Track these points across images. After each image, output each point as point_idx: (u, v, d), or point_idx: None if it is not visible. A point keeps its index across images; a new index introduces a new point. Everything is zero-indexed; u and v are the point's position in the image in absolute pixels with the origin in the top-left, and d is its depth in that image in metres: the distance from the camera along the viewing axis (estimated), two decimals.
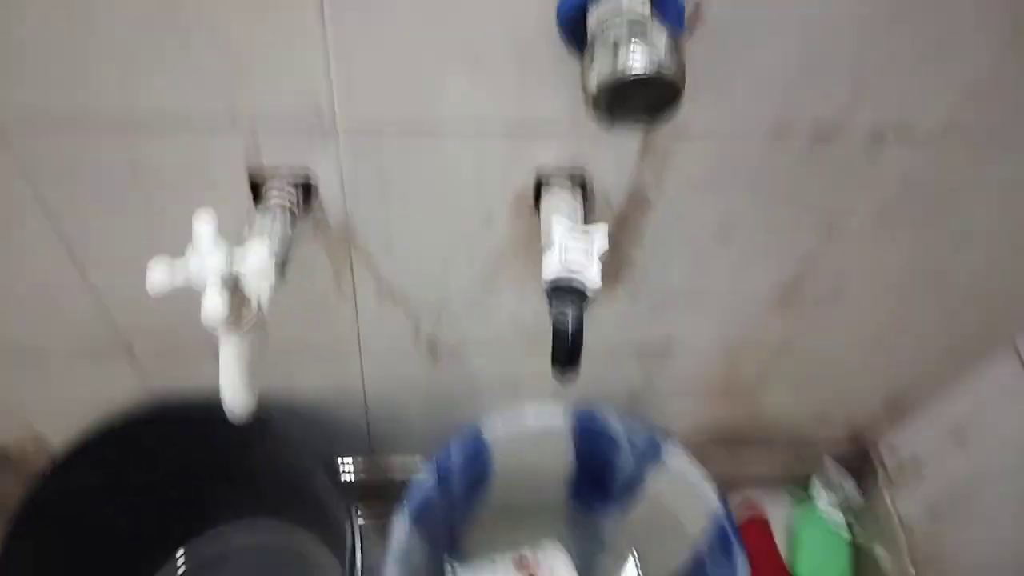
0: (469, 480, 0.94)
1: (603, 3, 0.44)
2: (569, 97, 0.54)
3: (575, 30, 0.48)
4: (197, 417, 0.85)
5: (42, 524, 0.80)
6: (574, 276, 0.50)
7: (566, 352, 0.56)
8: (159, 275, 0.46)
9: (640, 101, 0.43)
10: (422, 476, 0.88)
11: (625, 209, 0.65)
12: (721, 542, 0.87)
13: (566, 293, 0.52)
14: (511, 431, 0.92)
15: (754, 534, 1.13)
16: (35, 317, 0.73)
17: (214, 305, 0.46)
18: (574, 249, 0.51)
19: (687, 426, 1.04)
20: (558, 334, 0.55)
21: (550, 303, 0.55)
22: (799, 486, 1.20)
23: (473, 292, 0.74)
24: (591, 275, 0.50)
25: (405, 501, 0.86)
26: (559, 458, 0.99)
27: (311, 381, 0.87)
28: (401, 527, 0.85)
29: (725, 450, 1.12)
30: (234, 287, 0.49)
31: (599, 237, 0.52)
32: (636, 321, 0.80)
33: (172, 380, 0.84)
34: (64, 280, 0.68)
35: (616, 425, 0.93)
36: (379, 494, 1.12)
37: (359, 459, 1.06)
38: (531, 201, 0.63)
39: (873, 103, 0.57)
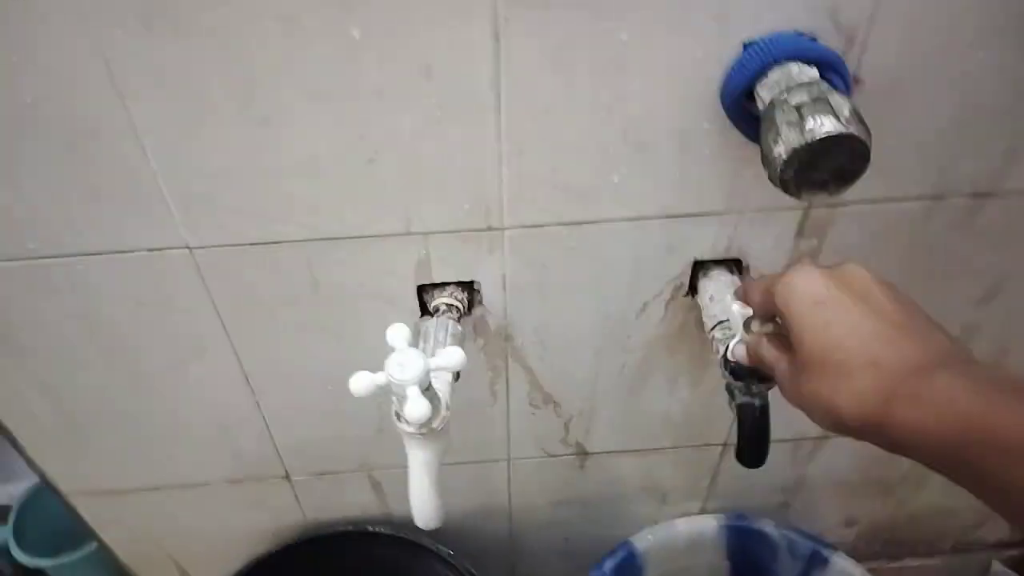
0: None
1: (772, 75, 0.46)
2: (729, 180, 0.55)
3: (740, 109, 0.49)
4: (349, 542, 0.84)
5: None
6: None
7: (754, 442, 0.54)
8: (362, 380, 0.47)
9: (827, 168, 0.44)
10: None
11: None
12: None
13: (751, 378, 0.51)
14: (663, 541, 0.89)
15: None
16: (204, 450, 0.75)
17: (419, 407, 0.46)
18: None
19: (843, 531, 0.98)
20: (745, 423, 0.54)
21: (732, 392, 0.54)
22: None
23: (624, 389, 0.73)
24: None
25: None
26: (712, 569, 0.94)
27: (459, 496, 0.85)
28: None
29: (885, 560, 1.05)
30: (431, 389, 0.49)
31: None
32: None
33: (328, 507, 0.84)
34: (239, 404, 0.70)
35: (772, 530, 0.88)
36: None
37: None
38: (686, 290, 0.63)
39: None
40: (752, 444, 0.54)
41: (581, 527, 0.92)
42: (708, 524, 0.89)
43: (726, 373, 0.53)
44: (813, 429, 0.81)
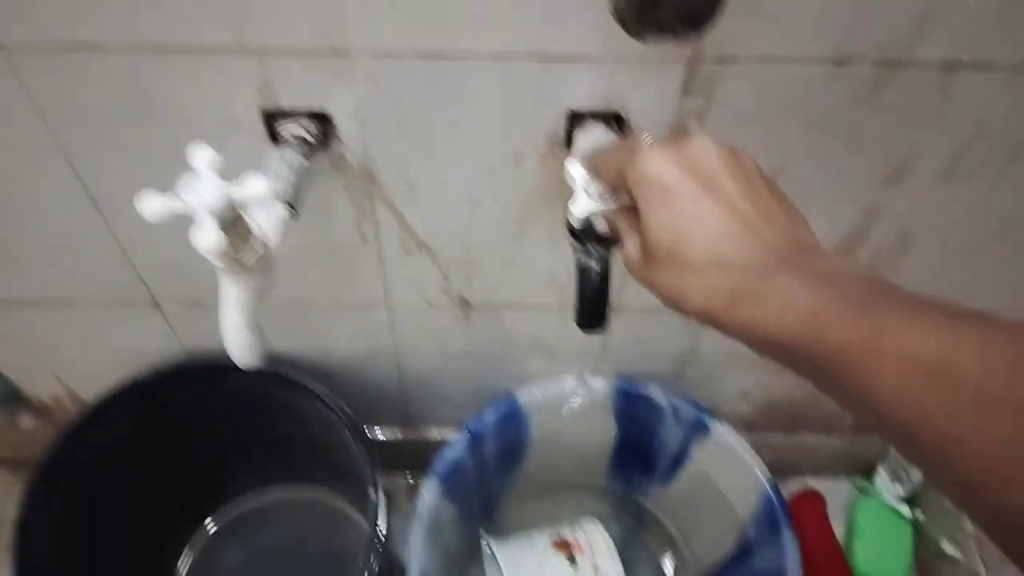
0: (504, 448, 0.90)
1: None
2: (603, 18, 0.49)
3: None
4: (225, 374, 0.83)
5: (65, 479, 0.79)
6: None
7: (591, 304, 0.51)
8: (153, 203, 0.43)
9: (673, 7, 0.38)
10: (454, 441, 0.84)
11: None
12: (769, 522, 0.82)
13: (590, 240, 0.48)
14: (549, 398, 0.88)
15: (807, 509, 1.06)
16: (61, 267, 0.72)
17: (207, 236, 0.43)
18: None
19: (737, 403, 0.98)
20: (582, 284, 0.50)
21: (574, 251, 0.50)
22: (862, 476, 1.13)
23: (504, 245, 0.69)
24: None
25: (434, 465, 0.83)
26: (600, 430, 0.94)
27: (342, 341, 0.84)
28: (429, 492, 0.82)
29: (781, 433, 1.05)
30: (235, 220, 0.45)
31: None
32: None
33: (205, 337, 0.83)
34: (87, 228, 0.66)
35: (660, 396, 0.88)
36: (417, 465, 1.09)
37: (396, 429, 1.03)
38: (563, 142, 0.58)
39: (948, 27, 0.51)
40: (589, 308, 0.51)
41: (472, 378, 0.92)
42: (597, 385, 0.89)
43: (567, 234, 0.49)
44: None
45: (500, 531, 1.01)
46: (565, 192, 0.62)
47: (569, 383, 0.88)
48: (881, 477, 1.11)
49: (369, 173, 0.61)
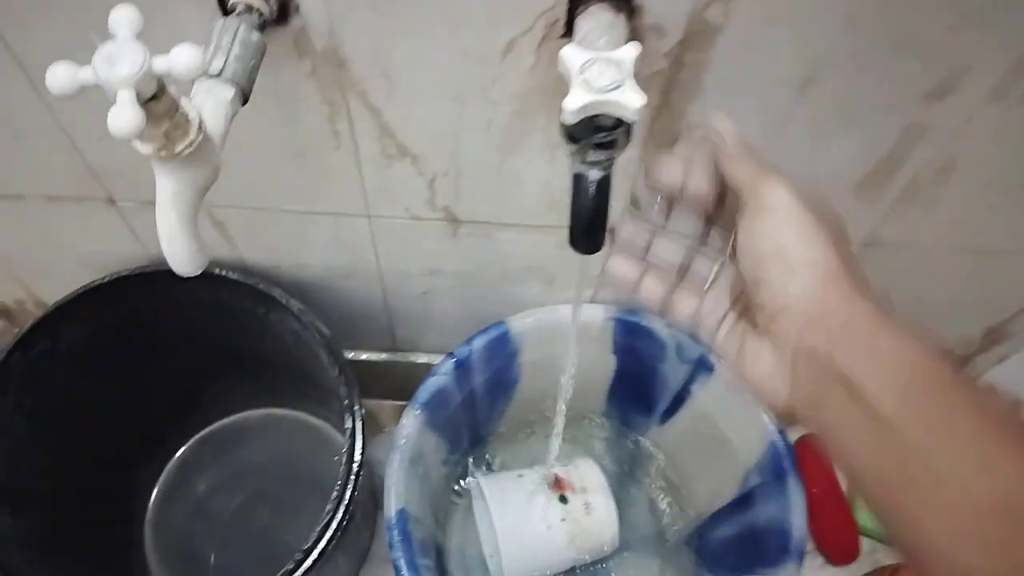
0: (493, 377, 0.85)
1: None
2: None
3: None
4: (192, 283, 0.76)
5: (18, 388, 0.73)
6: (607, 98, 0.37)
7: (586, 220, 0.44)
8: (60, 73, 0.36)
9: None
10: (439, 366, 0.79)
11: (681, 45, 0.51)
12: (774, 469, 0.76)
13: (588, 138, 0.40)
14: (543, 326, 0.82)
15: (810, 455, 1.01)
16: (8, 157, 0.65)
17: (123, 115, 0.35)
18: (602, 71, 0.38)
19: None
20: (577, 197, 0.43)
21: (572, 152, 0.43)
22: None
23: (495, 153, 0.62)
24: (628, 95, 0.37)
25: (417, 392, 0.78)
26: (597, 363, 0.88)
27: (318, 254, 0.77)
28: (410, 420, 0.76)
29: None
30: (164, 100, 0.38)
31: (629, 52, 0.39)
32: None
33: None
34: (31, 114, 0.59)
35: (662, 330, 0.81)
36: (406, 394, 1.04)
37: (382, 353, 0.98)
38: (562, 29, 0.50)
39: None
40: (584, 225, 0.44)
41: (461, 302, 0.85)
42: (595, 313, 0.82)
43: (561, 132, 0.41)
44: None
45: (488, 467, 0.97)
46: (563, 88, 0.54)
47: (566, 311, 0.82)
48: None
49: (337, 57, 0.53)
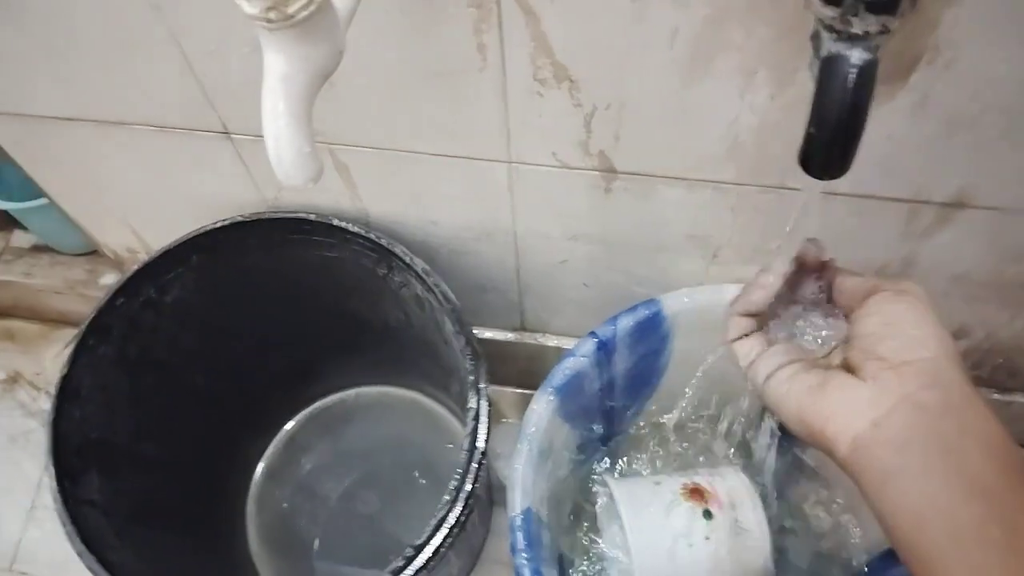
0: (637, 364, 0.72)
1: None
2: None
3: None
4: (308, 236, 0.69)
5: (116, 341, 0.67)
6: None
7: (836, 127, 0.31)
8: None
9: None
10: (579, 346, 0.67)
11: None
12: None
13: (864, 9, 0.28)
14: (701, 308, 0.69)
15: None
16: (119, 79, 0.58)
17: None
18: None
19: None
20: (825, 90, 0.31)
21: (819, 38, 0.30)
22: None
23: (676, 79, 0.50)
24: None
25: (552, 375, 0.67)
26: None
27: (448, 207, 0.67)
28: (543, 405, 0.65)
29: (994, 391, 0.83)
30: None
31: None
32: (915, 151, 0.53)
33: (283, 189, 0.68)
34: (144, 27, 0.52)
35: None
36: (528, 379, 0.94)
37: (507, 332, 0.87)
38: None
39: None
40: (831, 133, 0.31)
41: (605, 273, 0.74)
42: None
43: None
44: (943, 190, 0.56)
45: (619, 467, 0.85)
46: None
47: (731, 293, 0.68)
48: None
49: None
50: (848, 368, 0.39)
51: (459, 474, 0.59)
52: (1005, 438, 0.34)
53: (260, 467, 0.94)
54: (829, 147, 0.31)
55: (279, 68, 0.33)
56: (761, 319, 0.47)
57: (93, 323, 0.65)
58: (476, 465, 0.60)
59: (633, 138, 0.56)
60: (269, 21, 0.31)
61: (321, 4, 0.31)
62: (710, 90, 0.50)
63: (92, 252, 0.95)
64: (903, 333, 0.37)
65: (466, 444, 0.60)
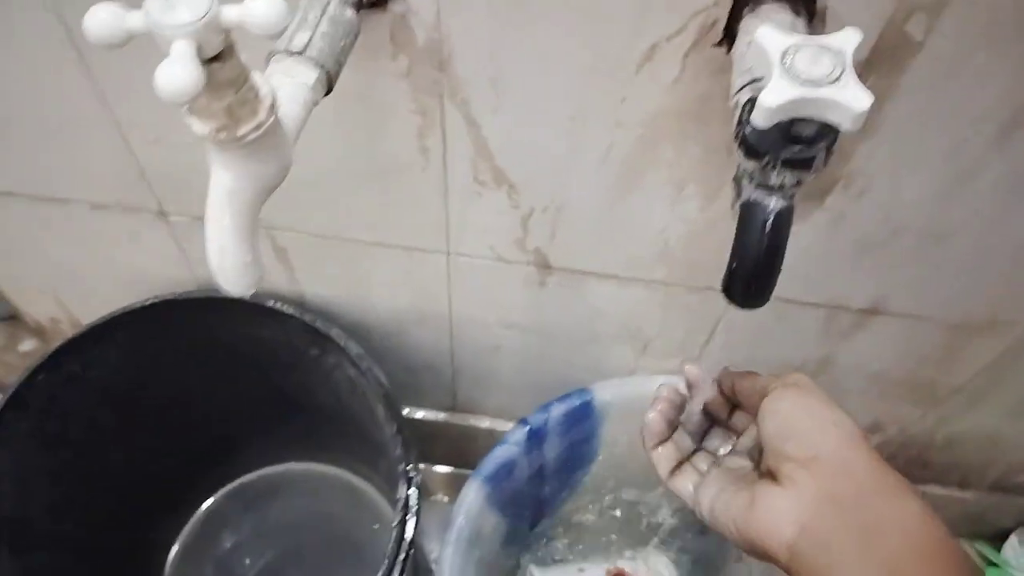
0: (567, 452, 0.73)
1: None
2: None
3: None
4: (240, 314, 0.68)
5: (38, 414, 0.65)
6: (820, 95, 0.27)
7: (756, 263, 0.33)
8: (103, 16, 0.28)
9: None
10: (509, 435, 0.68)
11: (866, 66, 0.41)
12: None
13: (781, 152, 0.30)
14: (632, 398, 0.71)
15: None
16: (58, 157, 0.58)
17: (177, 73, 0.27)
18: (814, 59, 0.28)
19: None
20: (746, 231, 0.33)
21: (740, 183, 0.33)
22: (988, 542, 0.93)
23: (609, 188, 0.52)
24: (850, 91, 0.27)
25: (483, 463, 0.67)
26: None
27: (386, 292, 0.68)
28: (473, 494, 0.65)
29: (907, 477, 0.86)
30: (230, 61, 0.29)
31: (850, 38, 0.29)
32: (832, 262, 0.56)
33: None
34: (84, 108, 0.52)
35: None
36: (458, 457, 0.94)
37: (439, 412, 0.87)
38: (720, 35, 0.41)
39: None
40: (750, 271, 0.33)
41: (539, 361, 0.75)
42: None
43: (737, 146, 0.31)
44: (858, 297, 0.60)
45: (545, 553, 0.85)
46: (708, 113, 0.45)
47: (659, 382, 0.70)
48: (1012, 546, 0.91)
49: (440, 54, 0.44)
50: (768, 473, 0.41)
51: (387, 564, 0.59)
52: (923, 517, 0.34)
53: (176, 546, 0.90)
54: (749, 282, 0.33)
55: (226, 183, 0.33)
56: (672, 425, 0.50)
57: (12, 398, 0.63)
58: (404, 556, 0.59)
59: (568, 237, 0.58)
60: (219, 142, 0.31)
61: (270, 126, 0.32)
62: (642, 200, 0.53)
63: (11, 317, 0.91)
64: (801, 429, 0.38)
65: (394, 535, 0.60)
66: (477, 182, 0.53)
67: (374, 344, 0.74)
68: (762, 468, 0.42)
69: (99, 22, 0.28)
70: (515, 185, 0.53)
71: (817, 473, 0.37)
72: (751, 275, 0.33)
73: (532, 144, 0.50)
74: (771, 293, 0.34)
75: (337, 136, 0.51)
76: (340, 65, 0.38)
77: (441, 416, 0.87)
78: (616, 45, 0.42)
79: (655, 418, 0.48)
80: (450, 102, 0.47)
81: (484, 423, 0.87)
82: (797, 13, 0.38)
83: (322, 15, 0.37)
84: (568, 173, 0.51)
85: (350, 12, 0.38)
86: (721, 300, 0.61)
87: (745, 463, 0.45)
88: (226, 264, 0.35)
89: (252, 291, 0.36)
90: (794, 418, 0.39)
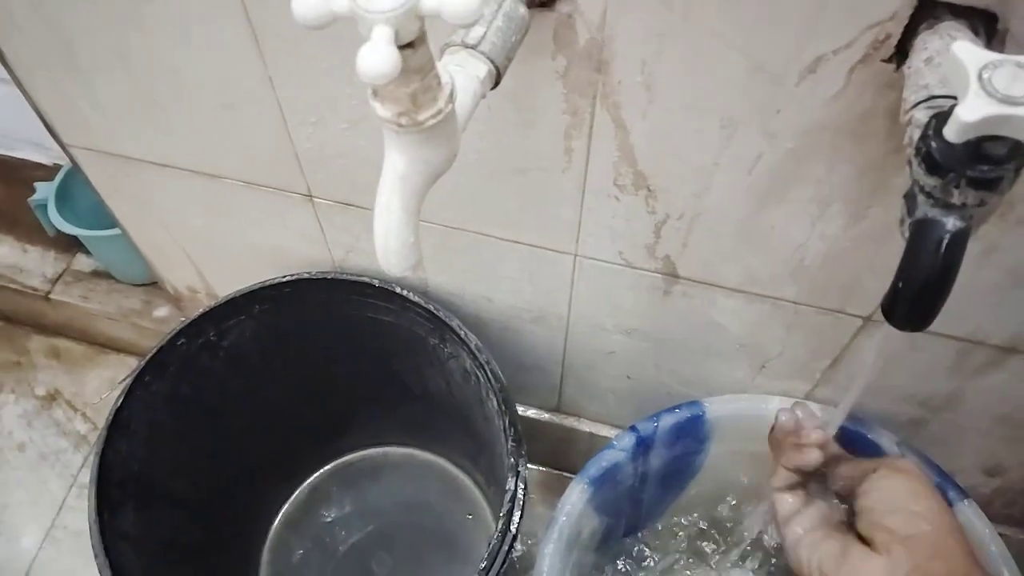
0: (671, 463, 0.73)
1: None
2: None
3: None
4: (366, 298, 0.71)
5: (171, 379, 0.69)
6: (1015, 113, 0.26)
7: (923, 288, 0.32)
8: (310, 2, 0.30)
9: None
10: (616, 440, 0.68)
11: None
12: None
13: (967, 169, 0.29)
14: (744, 416, 0.70)
15: None
16: (215, 133, 0.61)
17: (377, 56, 0.28)
18: (1016, 76, 0.27)
19: (976, 476, 0.76)
20: (917, 251, 0.32)
21: (914, 200, 0.32)
22: None
23: (751, 200, 0.52)
24: None
25: (588, 465, 0.67)
26: None
27: (507, 288, 0.69)
28: (577, 495, 0.66)
29: (1017, 529, 0.82)
30: (420, 49, 0.31)
31: None
32: (976, 294, 0.54)
33: (356, 252, 0.71)
34: (250, 86, 0.55)
35: (893, 449, 0.67)
36: (556, 459, 0.94)
37: (543, 411, 0.88)
38: (892, 49, 0.40)
39: None
40: (917, 292, 0.32)
41: (650, 369, 0.75)
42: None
43: (917, 162, 0.31)
44: (999, 334, 0.57)
45: (633, 563, 0.84)
46: (866, 130, 0.44)
47: (775, 405, 0.69)
48: None
49: (599, 56, 0.45)
50: (860, 537, 0.45)
51: (487, 558, 0.59)
52: None
53: (280, 515, 0.94)
54: (914, 304, 0.32)
55: (399, 167, 0.35)
56: (805, 474, 0.53)
57: (152, 360, 0.67)
58: (507, 548, 0.60)
59: (700, 248, 0.57)
60: (399, 126, 0.33)
61: (448, 114, 0.33)
62: (782, 215, 0.52)
63: (151, 284, 0.97)
64: (905, 508, 0.43)
65: (499, 526, 0.60)
66: (616, 186, 0.54)
67: (490, 337, 0.75)
68: (856, 528, 0.46)
69: (307, 5, 0.30)
70: (654, 191, 0.53)
71: (915, 550, 0.40)
72: (918, 296, 0.32)
73: (677, 150, 0.50)
74: (935, 318, 0.33)
75: (484, 131, 0.52)
76: (509, 61, 0.39)
77: (544, 416, 0.87)
78: (780, 54, 0.42)
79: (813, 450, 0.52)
80: (602, 104, 0.48)
81: (586, 427, 0.87)
82: (976, 33, 0.37)
83: (498, 10, 0.39)
84: (710, 182, 0.51)
85: (523, 9, 0.39)
86: (852, 324, 0.60)
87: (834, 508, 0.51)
88: (390, 244, 0.36)
89: (410, 272, 0.38)
90: (901, 496, 0.44)
